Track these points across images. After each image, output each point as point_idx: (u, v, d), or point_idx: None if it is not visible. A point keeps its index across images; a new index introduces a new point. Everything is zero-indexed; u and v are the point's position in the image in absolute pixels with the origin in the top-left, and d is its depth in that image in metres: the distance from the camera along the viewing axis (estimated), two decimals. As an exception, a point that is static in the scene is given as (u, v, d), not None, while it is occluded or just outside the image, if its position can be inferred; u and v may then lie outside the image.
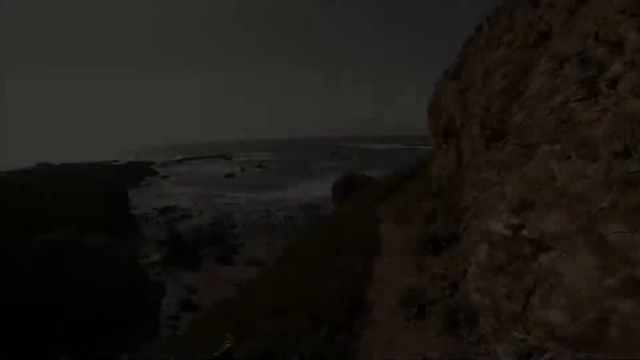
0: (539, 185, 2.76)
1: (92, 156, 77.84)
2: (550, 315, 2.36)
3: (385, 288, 6.02)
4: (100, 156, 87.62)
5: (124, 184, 35.46)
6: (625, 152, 2.19)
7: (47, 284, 11.88)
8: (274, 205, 35.63)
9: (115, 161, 78.51)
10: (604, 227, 2.11)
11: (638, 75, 2.37)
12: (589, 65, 3.20)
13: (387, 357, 4.10)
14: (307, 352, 4.07)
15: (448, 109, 9.28)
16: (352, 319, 4.92)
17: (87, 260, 13.46)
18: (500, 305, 2.96)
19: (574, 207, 2.36)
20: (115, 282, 13.79)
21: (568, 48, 3.54)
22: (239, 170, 69.59)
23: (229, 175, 61.76)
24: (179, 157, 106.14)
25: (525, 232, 2.79)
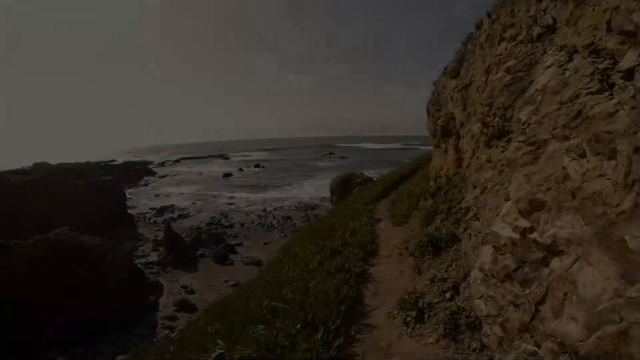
0: (549, 185, 2.56)
1: (87, 157, 77.57)
2: (563, 326, 2.15)
3: (382, 290, 5.87)
4: (96, 157, 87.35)
5: (122, 184, 35.23)
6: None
7: (44, 284, 11.70)
8: (272, 205, 35.53)
9: (113, 161, 78.33)
10: (624, 232, 1.92)
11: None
12: (599, 57, 3.04)
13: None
14: (302, 357, 3.90)
15: (447, 108, 9.12)
16: (349, 322, 4.75)
17: (84, 260, 13.27)
18: (507, 313, 2.76)
19: (589, 209, 2.16)
20: (112, 282, 13.61)
21: (576, 40, 3.36)
22: (236, 170, 69.34)
23: (227, 175, 61.56)
24: (177, 157, 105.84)
25: (535, 235, 2.57)
